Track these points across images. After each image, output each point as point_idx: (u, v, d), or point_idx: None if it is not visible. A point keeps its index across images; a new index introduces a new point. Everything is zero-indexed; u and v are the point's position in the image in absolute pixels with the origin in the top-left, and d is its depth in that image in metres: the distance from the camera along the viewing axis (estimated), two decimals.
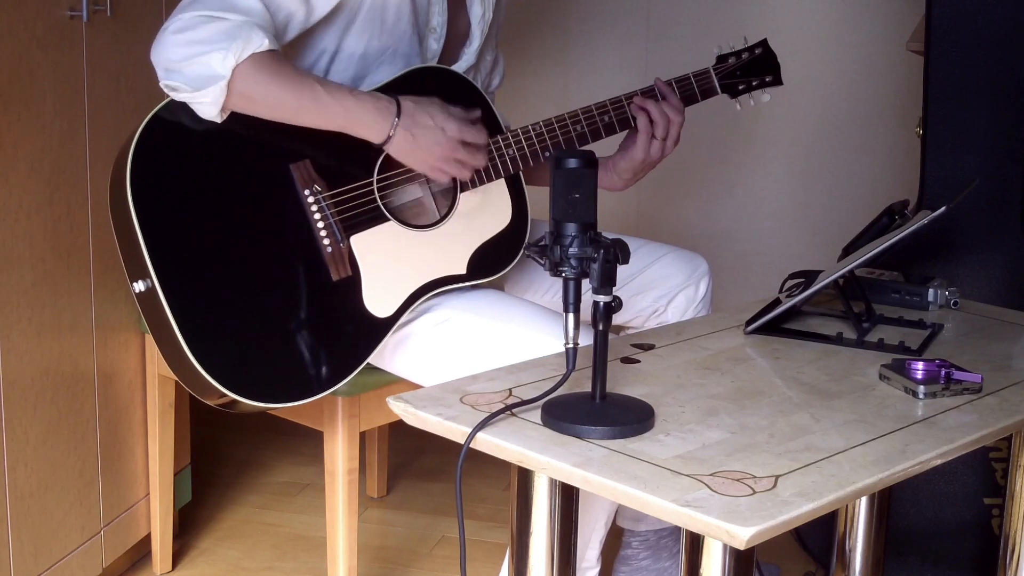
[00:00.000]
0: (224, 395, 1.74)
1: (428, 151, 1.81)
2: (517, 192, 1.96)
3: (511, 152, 1.93)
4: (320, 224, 1.82)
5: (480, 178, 1.91)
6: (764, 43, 2.12)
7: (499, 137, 1.93)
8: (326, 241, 1.82)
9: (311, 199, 1.82)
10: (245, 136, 1.79)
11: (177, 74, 1.73)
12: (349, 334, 1.83)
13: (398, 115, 1.80)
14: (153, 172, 1.75)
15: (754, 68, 2.11)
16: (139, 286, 1.75)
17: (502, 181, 1.95)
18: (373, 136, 1.81)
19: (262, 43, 1.73)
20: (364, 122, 1.80)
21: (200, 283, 1.75)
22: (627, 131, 2.03)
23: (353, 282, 1.84)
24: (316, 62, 1.93)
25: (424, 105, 1.82)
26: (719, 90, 2.09)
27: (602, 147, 2.06)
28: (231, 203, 1.80)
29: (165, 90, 1.75)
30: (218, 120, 1.77)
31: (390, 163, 1.87)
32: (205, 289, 1.76)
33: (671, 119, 1.99)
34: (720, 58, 2.11)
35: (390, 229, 1.87)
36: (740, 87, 2.11)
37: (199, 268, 1.76)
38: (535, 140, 1.94)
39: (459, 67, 2.01)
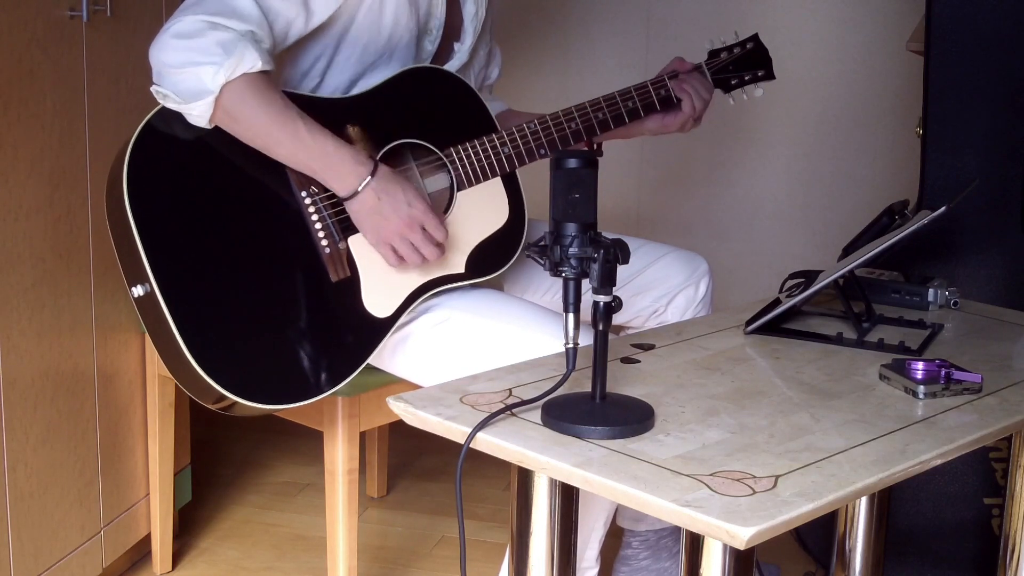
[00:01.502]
0: (224, 397, 1.74)
1: (387, 219, 1.80)
2: (514, 190, 1.96)
3: (506, 150, 1.93)
4: (318, 225, 1.82)
5: (477, 177, 1.92)
6: (755, 38, 2.14)
7: (494, 135, 1.93)
8: (324, 242, 1.82)
9: (308, 200, 1.82)
10: None
11: (168, 80, 1.73)
12: (349, 335, 1.83)
13: (372, 174, 1.79)
14: (150, 176, 1.75)
15: (746, 62, 2.12)
16: (137, 290, 1.75)
17: (498, 180, 1.95)
18: (341, 187, 1.80)
19: (255, 64, 1.73)
20: (337, 172, 1.79)
21: (199, 286, 1.75)
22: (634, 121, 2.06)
23: (352, 283, 1.84)
24: (313, 65, 1.93)
25: (400, 177, 1.82)
26: (712, 84, 2.10)
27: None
28: (229, 205, 1.80)
29: (156, 96, 1.76)
30: (208, 128, 1.77)
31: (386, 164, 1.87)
32: (204, 292, 1.76)
33: (707, 101, 2.07)
34: (712, 53, 2.12)
35: None
36: (733, 81, 2.12)
37: (198, 271, 1.76)
38: (530, 138, 1.95)
39: (451, 65, 2.01)
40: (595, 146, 2.09)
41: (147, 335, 2.22)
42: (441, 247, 1.84)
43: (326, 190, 1.82)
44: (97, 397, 2.12)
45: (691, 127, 2.10)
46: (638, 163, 3.29)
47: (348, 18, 1.89)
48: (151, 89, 1.76)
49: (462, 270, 1.91)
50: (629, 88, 2.04)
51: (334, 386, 1.81)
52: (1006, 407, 1.46)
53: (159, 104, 1.77)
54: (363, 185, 1.79)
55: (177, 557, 2.38)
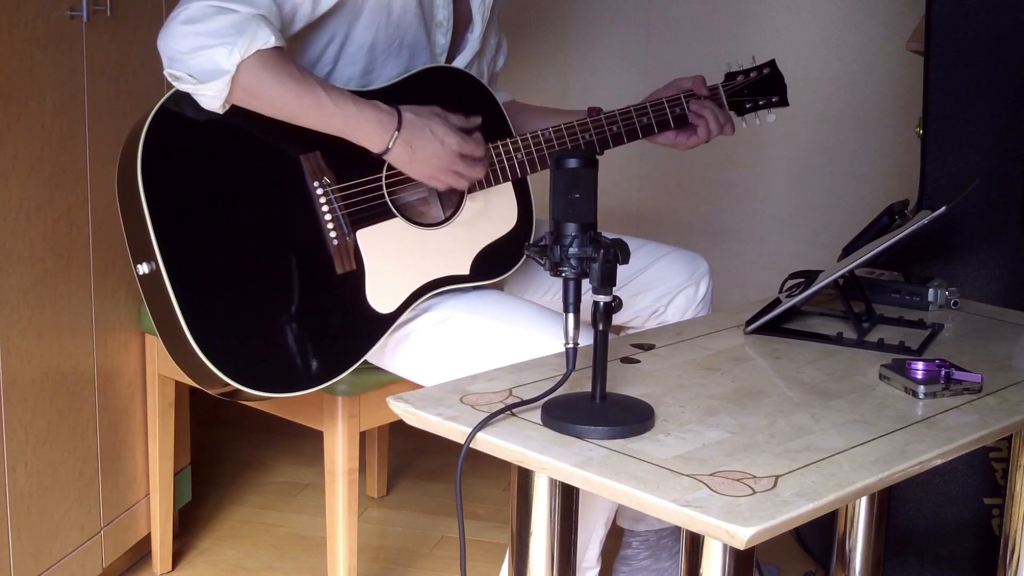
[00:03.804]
0: (225, 384, 1.74)
1: (427, 163, 1.82)
2: (523, 196, 1.97)
3: (519, 156, 1.94)
4: (327, 216, 1.82)
5: (487, 181, 1.92)
6: (772, 63, 2.14)
7: (508, 141, 1.93)
8: (332, 234, 1.83)
9: (320, 191, 1.82)
10: (257, 124, 1.79)
11: (181, 64, 1.73)
12: (351, 328, 1.84)
13: (398, 127, 1.81)
14: (164, 155, 1.75)
15: (761, 87, 2.13)
16: (143, 268, 1.75)
17: (509, 184, 1.95)
18: (373, 146, 1.82)
19: (268, 40, 1.73)
20: (364, 131, 1.80)
21: (205, 268, 1.76)
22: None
23: (357, 276, 1.84)
24: (323, 53, 1.94)
25: (424, 117, 1.83)
26: (727, 107, 2.11)
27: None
28: (240, 191, 1.80)
29: (169, 78, 1.76)
30: (220, 112, 1.77)
31: None
32: (209, 274, 1.76)
33: (723, 126, 2.08)
34: (729, 75, 2.13)
35: (396, 226, 1.87)
36: (747, 105, 2.13)
37: (205, 253, 1.76)
38: (544, 146, 1.95)
39: (464, 55, 2.02)
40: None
41: (147, 335, 2.22)
42: (485, 161, 1.86)
43: (339, 181, 1.83)
44: (97, 397, 2.12)
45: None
46: (638, 163, 3.29)
47: (357, 6, 1.89)
48: (164, 72, 1.75)
49: (466, 272, 1.91)
50: (645, 104, 2.05)
51: (333, 378, 1.81)
52: (1006, 407, 1.46)
53: (170, 91, 1.77)
54: (392, 141, 1.80)
55: (177, 557, 2.38)
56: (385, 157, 1.83)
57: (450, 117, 1.85)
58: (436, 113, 1.85)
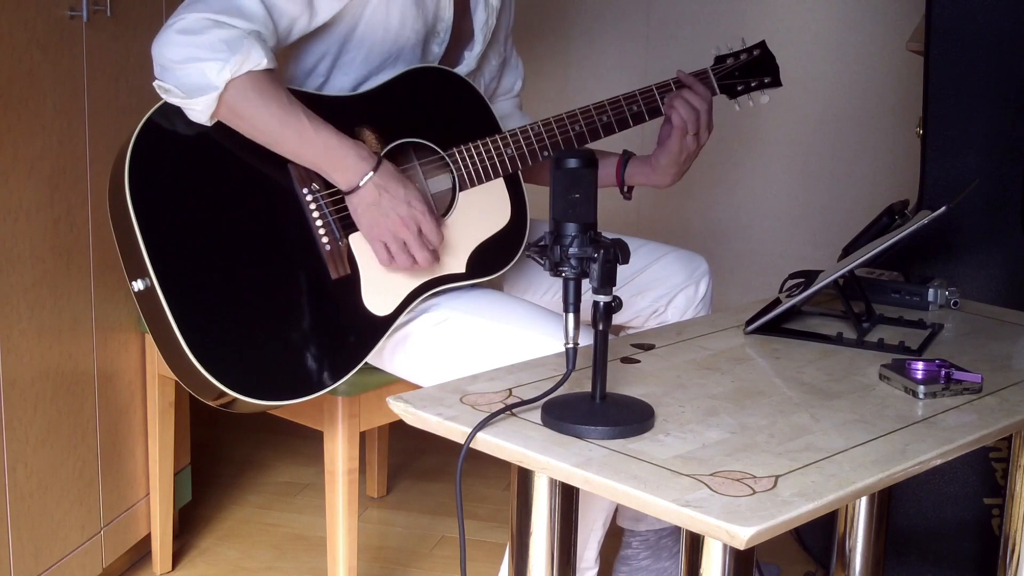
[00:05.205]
0: (223, 394, 1.74)
1: (385, 215, 1.80)
2: (516, 191, 1.96)
3: (509, 152, 1.94)
4: (319, 222, 1.82)
5: (479, 177, 1.92)
6: (763, 44, 2.13)
7: (497, 136, 1.93)
8: (325, 239, 1.83)
9: (309, 197, 1.82)
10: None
11: (171, 75, 1.73)
12: (348, 332, 1.83)
13: (374, 169, 1.80)
14: (152, 170, 1.75)
15: (753, 69, 2.11)
16: (138, 285, 1.75)
17: (501, 180, 1.95)
18: (343, 181, 1.80)
19: (260, 62, 1.74)
20: (341, 164, 1.79)
21: (199, 281, 1.76)
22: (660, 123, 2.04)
23: (352, 280, 1.84)
24: (318, 63, 1.93)
25: (402, 176, 1.83)
26: (717, 91, 2.09)
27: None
28: (230, 201, 1.80)
29: (158, 91, 1.76)
30: (208, 124, 1.77)
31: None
32: (204, 287, 1.76)
33: (699, 111, 2.00)
34: (718, 59, 2.11)
35: None
36: (739, 88, 2.11)
37: (198, 266, 1.76)
38: (533, 140, 1.95)
39: (459, 71, 2.01)
40: (625, 189, 2.10)
41: (147, 334, 2.22)
42: (435, 253, 1.84)
43: (328, 187, 1.82)
44: (97, 397, 2.12)
45: (705, 137, 2.05)
46: None
47: (354, 18, 1.89)
48: (153, 84, 1.76)
49: (462, 270, 1.91)
50: (634, 92, 2.04)
51: (332, 383, 1.81)
52: (1006, 407, 1.46)
53: (161, 100, 1.77)
54: (364, 180, 1.79)
55: (177, 557, 2.38)
56: (350, 196, 1.81)
57: (424, 197, 1.84)
58: (413, 178, 1.85)
